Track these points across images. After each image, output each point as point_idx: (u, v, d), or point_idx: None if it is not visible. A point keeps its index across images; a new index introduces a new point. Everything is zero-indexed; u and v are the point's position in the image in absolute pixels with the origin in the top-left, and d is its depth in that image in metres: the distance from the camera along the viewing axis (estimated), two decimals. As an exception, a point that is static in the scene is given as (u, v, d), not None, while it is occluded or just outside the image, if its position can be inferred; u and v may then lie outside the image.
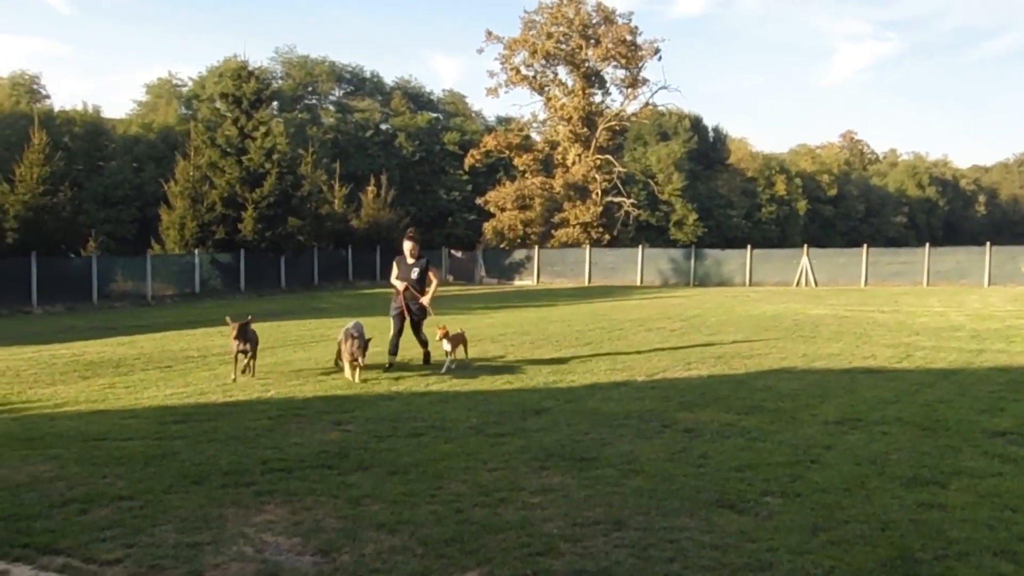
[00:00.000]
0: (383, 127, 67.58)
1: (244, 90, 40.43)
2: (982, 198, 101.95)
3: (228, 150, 39.51)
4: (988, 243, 42.72)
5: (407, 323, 13.48)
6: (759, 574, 5.03)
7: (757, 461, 7.56)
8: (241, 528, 5.92)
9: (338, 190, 47.78)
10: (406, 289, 13.29)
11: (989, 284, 39.60)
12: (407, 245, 13.54)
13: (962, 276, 41.00)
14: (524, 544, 5.53)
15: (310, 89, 72.11)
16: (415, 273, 13.39)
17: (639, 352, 15.50)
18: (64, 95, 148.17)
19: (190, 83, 67.57)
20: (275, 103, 58.55)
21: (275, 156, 40.15)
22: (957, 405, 10.08)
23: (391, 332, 13.47)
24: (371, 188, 49.03)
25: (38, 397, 11.71)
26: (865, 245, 45.14)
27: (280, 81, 67.78)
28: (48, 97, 65.16)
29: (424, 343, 13.85)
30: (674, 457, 7.74)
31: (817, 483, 6.86)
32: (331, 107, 71.53)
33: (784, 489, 6.70)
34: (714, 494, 6.56)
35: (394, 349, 13.50)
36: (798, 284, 42.69)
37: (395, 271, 13.46)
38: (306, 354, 16.15)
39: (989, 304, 27.04)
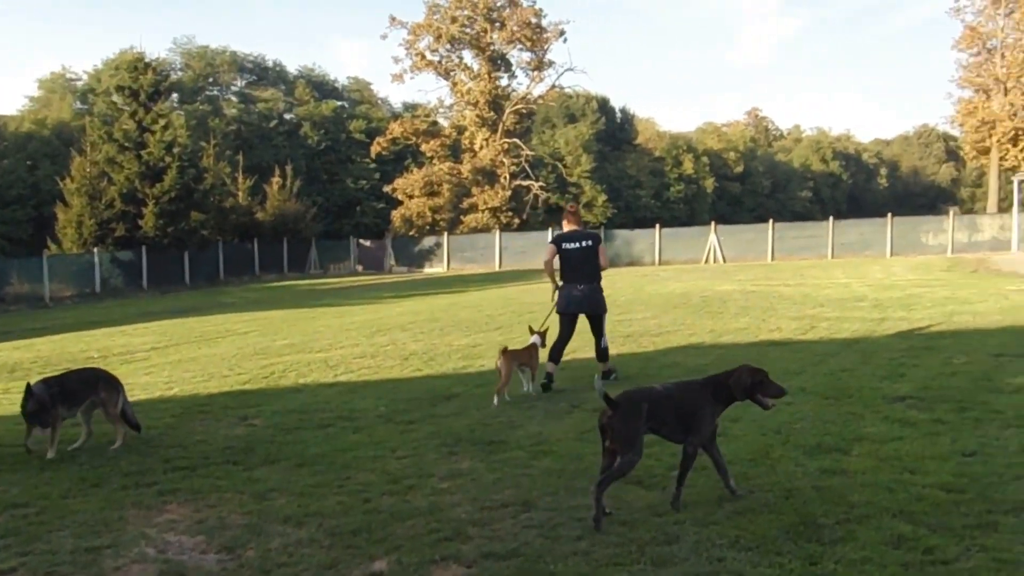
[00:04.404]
0: (287, 117, 66.87)
1: (141, 82, 39.66)
2: (884, 171, 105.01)
3: (126, 144, 38.71)
4: (890, 215, 43.97)
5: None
6: (666, 547, 5.04)
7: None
8: (142, 529, 5.76)
9: (242, 182, 47.16)
10: None
11: (891, 254, 40.87)
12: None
13: (866, 247, 42.25)
14: (433, 530, 5.48)
15: (211, 80, 70.75)
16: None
17: (550, 334, 15.47)
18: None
19: (85, 77, 65.68)
20: (174, 95, 57.34)
21: (175, 149, 39.54)
22: (859, 373, 10.27)
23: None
24: (276, 179, 48.52)
25: (-72, 405, 11.26)
26: (771, 220, 46.13)
27: (179, 73, 66.41)
28: (-67, 95, 62.94)
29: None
30: (583, 436, 7.73)
31: (723, 454, 6.91)
32: (233, 98, 70.26)
33: (691, 463, 6.74)
34: (622, 471, 6.57)
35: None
36: (707, 261, 43.31)
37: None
38: (211, 350, 15.83)
39: (891, 274, 27.78)
